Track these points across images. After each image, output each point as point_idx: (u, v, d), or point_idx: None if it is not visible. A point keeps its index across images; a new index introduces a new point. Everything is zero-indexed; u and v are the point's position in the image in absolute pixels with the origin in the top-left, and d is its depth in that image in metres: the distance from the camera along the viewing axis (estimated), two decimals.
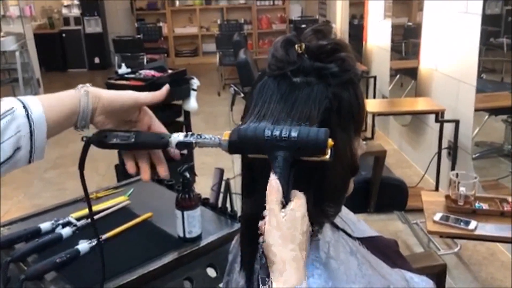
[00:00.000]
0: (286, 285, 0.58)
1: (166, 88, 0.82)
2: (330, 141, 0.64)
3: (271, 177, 0.64)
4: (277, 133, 0.65)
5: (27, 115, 0.70)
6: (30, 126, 0.70)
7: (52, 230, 1.45)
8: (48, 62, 8.45)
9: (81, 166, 0.80)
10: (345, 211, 0.90)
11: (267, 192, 0.63)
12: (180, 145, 0.75)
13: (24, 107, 0.71)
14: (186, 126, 3.31)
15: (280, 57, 0.73)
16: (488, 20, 3.00)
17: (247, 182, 0.76)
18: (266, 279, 0.60)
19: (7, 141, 0.68)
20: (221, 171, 1.88)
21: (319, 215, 0.75)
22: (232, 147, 0.69)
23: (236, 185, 3.01)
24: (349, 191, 0.79)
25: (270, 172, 0.65)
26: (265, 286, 0.60)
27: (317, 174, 0.73)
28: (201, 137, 0.73)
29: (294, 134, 0.65)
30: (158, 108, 0.84)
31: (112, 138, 0.77)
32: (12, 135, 0.69)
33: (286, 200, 0.63)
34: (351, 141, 0.75)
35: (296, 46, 0.73)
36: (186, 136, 0.74)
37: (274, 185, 0.63)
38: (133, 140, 0.77)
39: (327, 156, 0.64)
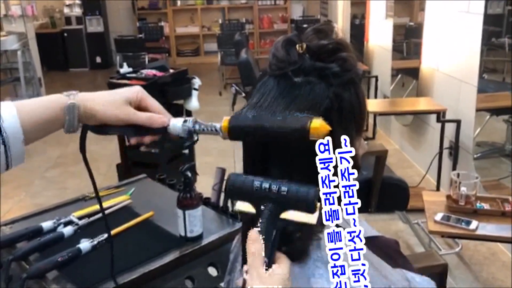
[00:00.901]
0: None
1: (163, 123, 0.80)
2: (319, 205, 0.64)
3: (252, 230, 0.64)
4: (266, 185, 0.65)
5: None
6: (2, 136, 0.70)
7: (54, 229, 1.45)
8: (50, 61, 8.46)
9: (83, 150, 0.82)
10: None
11: (247, 244, 0.64)
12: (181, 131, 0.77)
13: None
14: None
15: (281, 57, 0.73)
16: (489, 20, 2.99)
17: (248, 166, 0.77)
18: None
19: None
20: (223, 171, 1.87)
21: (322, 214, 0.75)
22: (227, 192, 0.70)
23: None
24: None
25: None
26: None
27: (319, 174, 0.73)
28: (200, 125, 0.76)
29: (284, 188, 0.65)
30: (145, 132, 0.83)
31: (110, 128, 0.78)
32: None
33: (269, 260, 0.63)
34: (352, 141, 0.75)
35: (297, 46, 0.73)
36: (185, 121, 0.77)
37: (253, 236, 0.64)
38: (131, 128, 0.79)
39: (314, 219, 0.64)
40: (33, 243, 1.36)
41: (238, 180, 0.68)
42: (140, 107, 0.80)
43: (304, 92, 0.70)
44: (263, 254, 0.63)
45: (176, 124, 0.77)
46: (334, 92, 0.71)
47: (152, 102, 0.82)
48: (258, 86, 0.75)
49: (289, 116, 0.67)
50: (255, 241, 0.63)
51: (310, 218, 0.64)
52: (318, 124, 0.65)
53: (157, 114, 0.80)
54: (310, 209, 0.64)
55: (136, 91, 0.81)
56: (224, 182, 1.85)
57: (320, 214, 0.65)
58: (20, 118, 0.72)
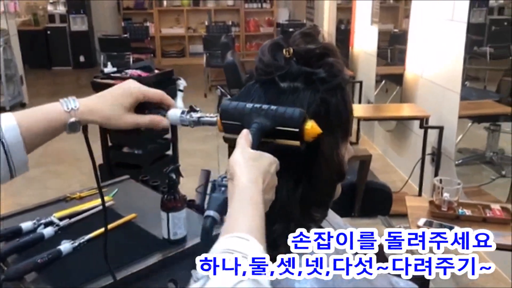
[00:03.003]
0: (238, 184, 0.61)
1: (165, 126, 0.85)
2: (312, 129, 0.68)
3: (243, 131, 0.67)
4: (257, 106, 0.70)
5: (0, 139, 0.72)
6: (5, 149, 0.72)
7: (34, 229, 1.42)
8: (32, 59, 8.33)
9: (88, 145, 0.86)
10: (331, 215, 0.90)
11: (237, 140, 0.66)
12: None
13: None
14: (171, 127, 3.30)
15: (267, 61, 0.73)
16: (472, 29, 3.04)
17: None
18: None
19: None
20: (208, 173, 1.86)
21: (306, 219, 0.75)
22: (222, 114, 0.73)
23: None
24: (336, 196, 0.80)
25: None
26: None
27: (304, 178, 0.73)
28: (197, 117, 0.81)
29: (273, 107, 0.69)
30: (144, 108, 0.83)
31: None
32: None
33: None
34: (339, 146, 0.75)
35: (284, 50, 0.73)
36: (183, 113, 0.82)
37: (244, 134, 0.67)
38: None
39: (299, 137, 0.67)
40: (12, 244, 1.33)
41: (231, 104, 0.72)
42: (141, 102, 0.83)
43: (291, 99, 0.70)
44: (251, 141, 0.66)
45: (175, 114, 0.82)
46: (320, 98, 0.71)
47: (151, 94, 0.83)
48: (244, 90, 0.75)
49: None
50: (246, 135, 0.67)
51: (295, 141, 0.68)
52: (309, 125, 0.67)
53: (158, 116, 0.83)
54: (296, 124, 0.67)
55: (133, 95, 0.81)
56: (210, 184, 1.85)
57: (304, 141, 0.68)
58: (21, 129, 0.74)
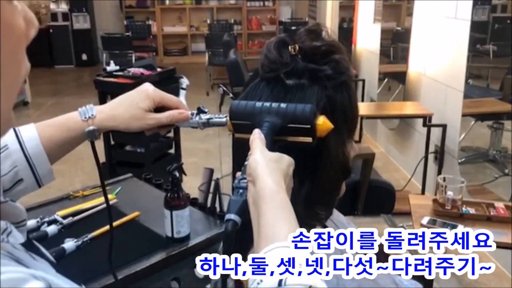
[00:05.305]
0: (264, 187, 0.59)
1: (186, 117, 0.83)
2: (322, 125, 0.67)
3: (255, 131, 0.65)
4: (267, 104, 0.69)
5: (22, 149, 0.73)
6: (27, 160, 0.73)
7: (37, 228, 1.43)
8: (35, 57, 8.11)
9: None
10: (335, 213, 0.90)
11: (250, 142, 0.64)
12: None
13: (19, 142, 0.73)
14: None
15: (273, 58, 0.72)
16: (475, 27, 3.03)
17: (238, 164, 0.76)
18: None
19: (3, 177, 0.71)
20: (211, 171, 1.85)
21: (311, 217, 0.74)
22: (231, 115, 0.72)
23: (225, 185, 3.00)
24: (340, 194, 0.79)
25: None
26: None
27: (309, 176, 0.72)
28: (206, 118, 0.81)
29: (283, 105, 0.68)
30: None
31: None
32: (9, 171, 0.72)
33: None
34: (344, 144, 0.75)
35: (289, 47, 0.72)
36: (192, 114, 0.82)
37: (257, 134, 0.65)
38: None
39: (312, 132, 0.66)
40: None
41: (241, 103, 0.71)
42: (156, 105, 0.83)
43: (298, 96, 0.70)
44: (265, 142, 0.64)
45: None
46: (327, 95, 0.71)
47: (167, 98, 0.83)
48: (249, 88, 0.74)
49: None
50: (259, 137, 0.65)
51: (307, 138, 0.67)
52: (321, 121, 0.66)
53: (175, 110, 0.82)
54: (307, 120, 0.66)
55: (151, 97, 0.81)
56: (213, 182, 1.85)
57: (315, 136, 0.67)
58: (41, 140, 0.75)
